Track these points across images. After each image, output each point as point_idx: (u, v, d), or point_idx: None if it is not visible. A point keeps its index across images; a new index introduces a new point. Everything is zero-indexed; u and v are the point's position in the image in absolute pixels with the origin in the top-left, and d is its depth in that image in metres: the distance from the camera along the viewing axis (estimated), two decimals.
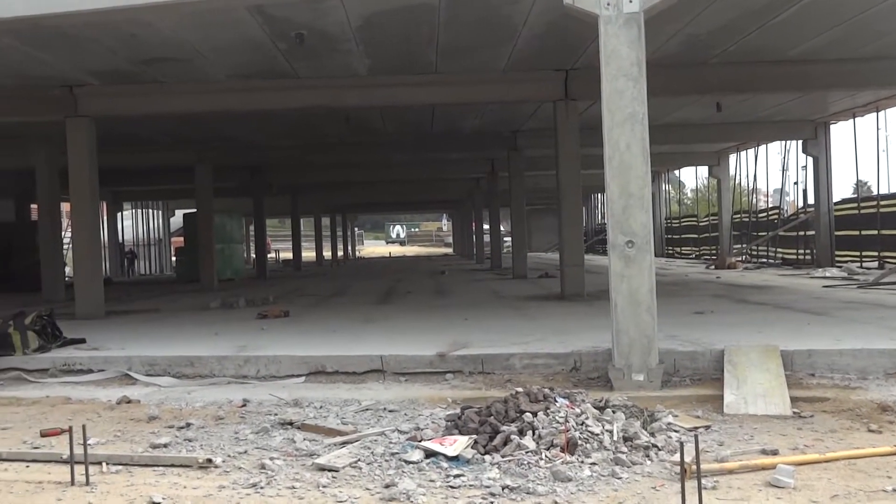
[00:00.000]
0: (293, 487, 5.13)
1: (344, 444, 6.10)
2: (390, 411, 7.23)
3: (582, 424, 5.75)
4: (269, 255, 41.98)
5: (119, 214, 42.55)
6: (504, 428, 5.75)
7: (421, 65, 14.88)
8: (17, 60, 13.24)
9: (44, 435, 6.72)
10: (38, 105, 15.74)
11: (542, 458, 5.39)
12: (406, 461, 5.53)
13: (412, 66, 15.00)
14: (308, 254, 48.66)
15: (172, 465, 5.68)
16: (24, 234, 30.23)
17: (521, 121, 22.25)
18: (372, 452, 5.81)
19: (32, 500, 5.09)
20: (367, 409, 7.33)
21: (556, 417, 5.79)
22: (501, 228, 36.21)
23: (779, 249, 30.08)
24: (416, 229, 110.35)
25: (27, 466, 5.86)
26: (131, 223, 46.22)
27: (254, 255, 37.59)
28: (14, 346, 10.18)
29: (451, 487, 5.04)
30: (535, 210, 53.33)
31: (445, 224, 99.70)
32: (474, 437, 5.75)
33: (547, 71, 15.58)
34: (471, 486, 5.05)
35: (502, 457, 5.47)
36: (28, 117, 16.53)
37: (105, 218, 37.87)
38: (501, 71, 15.46)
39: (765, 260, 30.52)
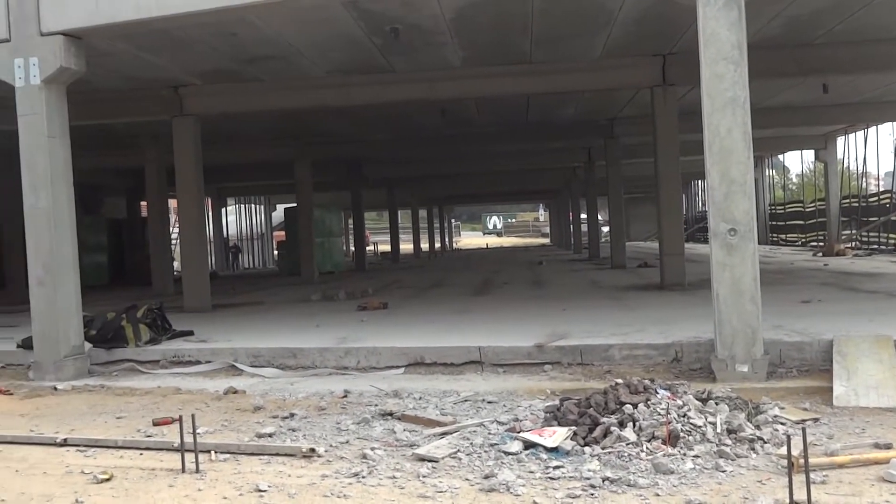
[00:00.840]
0: (394, 477, 5.20)
1: (443, 434, 6.14)
2: (489, 402, 7.24)
3: (684, 416, 5.65)
4: (367, 248, 42.56)
5: (223, 210, 43.77)
6: (604, 419, 5.70)
7: (515, 55, 14.82)
8: (128, 64, 13.80)
9: (156, 424, 6.99)
10: (148, 106, 16.34)
11: (643, 451, 5.32)
12: (505, 452, 5.54)
13: (506, 57, 14.95)
14: (406, 246, 49.11)
15: (277, 454, 5.82)
16: (135, 230, 31.59)
17: (617, 108, 21.94)
18: (471, 443, 5.83)
19: (146, 486, 5.29)
20: (465, 400, 7.37)
21: (658, 409, 5.70)
22: (599, 218, 35.75)
23: (891, 235, 28.84)
24: (513, 220, 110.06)
25: (141, 454, 6.10)
26: (235, 218, 47.52)
27: (353, 248, 38.15)
28: (127, 339, 10.61)
29: (551, 479, 5.02)
30: (633, 199, 52.54)
31: (542, 214, 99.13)
32: (574, 428, 5.71)
33: (644, 57, 15.31)
34: (571, 477, 5.02)
35: (602, 449, 5.43)
36: (138, 118, 17.15)
37: (210, 213, 39.04)
38: (597, 58, 15.28)
39: (876, 246, 29.31)
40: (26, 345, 10.51)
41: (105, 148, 22.88)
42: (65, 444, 6.44)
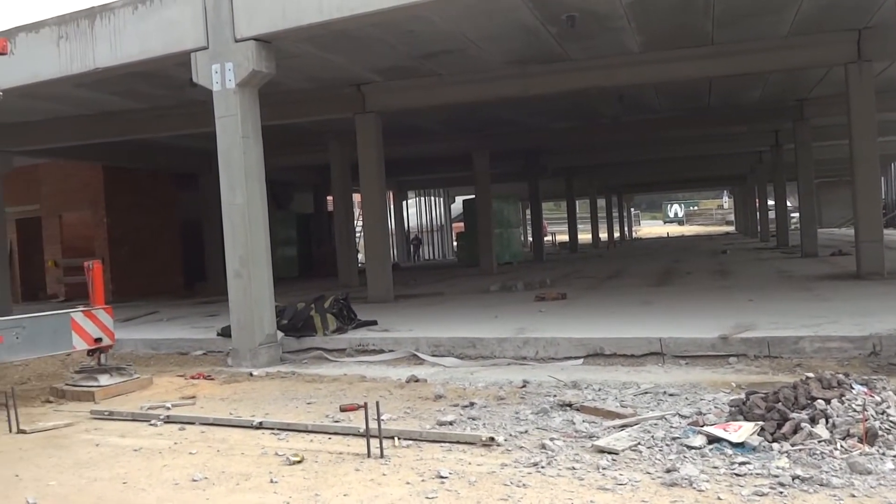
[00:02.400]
0: (573, 468, 5.18)
1: (623, 426, 6.06)
2: (670, 395, 7.08)
3: (883, 413, 5.32)
4: (545, 238, 42.50)
5: (404, 202, 44.85)
6: (793, 415, 5.45)
7: (696, 37, 14.35)
8: (312, 65, 14.40)
9: (343, 410, 7.29)
10: (332, 104, 17.00)
11: (836, 449, 5.05)
12: (688, 446, 5.40)
13: (686, 39, 14.50)
14: (584, 236, 48.62)
15: (458, 442, 5.93)
16: (322, 224, 32.97)
17: (807, 88, 20.79)
18: (652, 436, 5.73)
19: (334, 469, 5.53)
20: (646, 393, 7.24)
21: (853, 405, 5.39)
22: (788, 204, 34.08)
23: None
24: (695, 207, 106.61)
25: (329, 438, 6.39)
26: (416, 210, 48.64)
27: (531, 239, 38.15)
28: (316, 328, 11.12)
29: (736, 475, 4.85)
30: (824, 183, 49.78)
31: (726, 201, 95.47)
32: (760, 423, 5.49)
33: (836, 32, 14.41)
34: (757, 474, 4.84)
35: (792, 445, 5.19)
36: (323, 116, 17.82)
37: (392, 206, 40.12)
38: (784, 36, 14.53)
39: None
40: (225, 333, 11.23)
41: (292, 146, 23.94)
42: (260, 427, 6.84)
